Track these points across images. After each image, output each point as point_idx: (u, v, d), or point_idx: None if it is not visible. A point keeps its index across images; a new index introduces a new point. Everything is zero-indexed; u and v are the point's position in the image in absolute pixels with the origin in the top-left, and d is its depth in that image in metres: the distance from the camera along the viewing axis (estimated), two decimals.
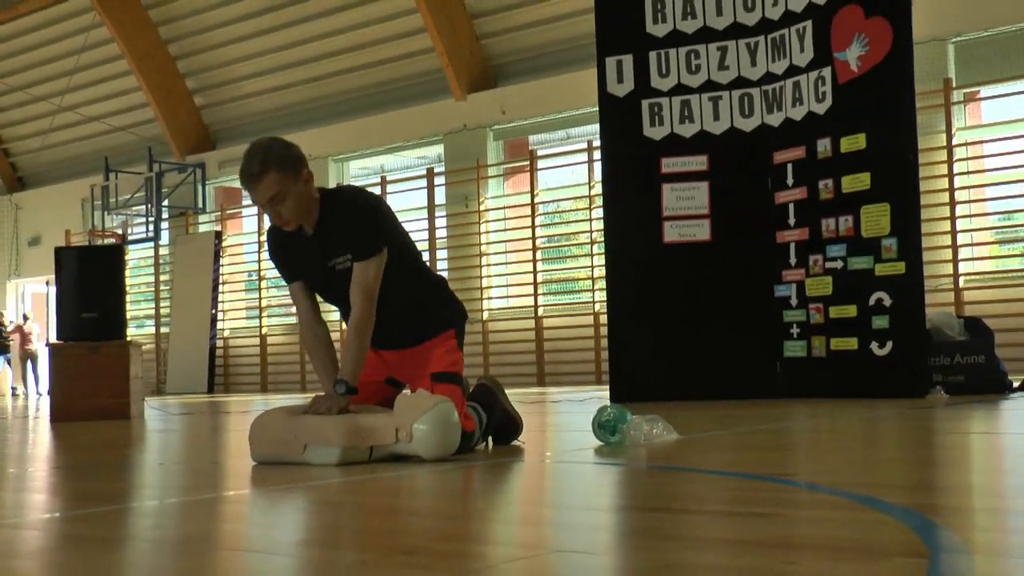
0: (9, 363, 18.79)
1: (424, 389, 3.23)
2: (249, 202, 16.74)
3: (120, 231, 17.38)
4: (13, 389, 18.66)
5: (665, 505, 2.16)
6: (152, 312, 17.63)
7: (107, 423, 6.46)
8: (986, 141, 10.85)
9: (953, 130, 10.48)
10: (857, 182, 6.43)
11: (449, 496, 2.48)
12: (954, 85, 10.59)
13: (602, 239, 7.66)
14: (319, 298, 3.39)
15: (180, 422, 6.55)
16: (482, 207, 13.95)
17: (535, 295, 13.31)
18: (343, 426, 3.00)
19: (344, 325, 3.30)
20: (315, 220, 3.23)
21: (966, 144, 10.72)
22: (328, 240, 3.22)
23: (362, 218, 3.22)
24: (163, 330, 17.14)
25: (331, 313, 3.63)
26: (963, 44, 10.78)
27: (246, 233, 17.00)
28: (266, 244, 3.49)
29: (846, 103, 6.47)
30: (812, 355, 6.66)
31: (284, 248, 3.35)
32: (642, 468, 2.88)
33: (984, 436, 3.55)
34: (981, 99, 10.97)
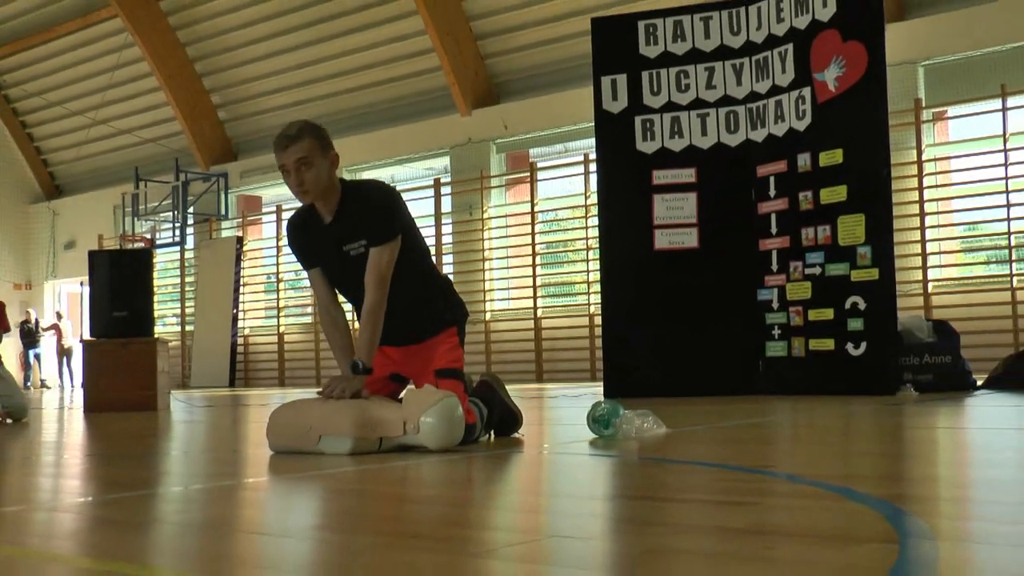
0: (39, 358, 18.80)
1: (429, 384, 3.23)
2: (268, 209, 16.75)
3: (149, 236, 17.38)
4: (43, 381, 18.65)
5: (654, 494, 2.16)
6: (178, 311, 17.63)
7: (136, 414, 6.46)
8: (953, 157, 10.85)
9: (923, 146, 10.48)
10: (834, 194, 6.43)
11: (453, 484, 2.48)
12: (924, 105, 10.59)
13: (597, 245, 7.65)
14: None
15: (203, 414, 6.55)
16: (485, 215, 13.94)
17: (534, 297, 13.30)
18: (354, 418, 3.00)
19: (356, 316, 3.29)
20: (334, 207, 3.21)
21: (935, 160, 10.72)
22: (345, 226, 3.21)
23: (378, 206, 3.21)
24: (188, 328, 17.13)
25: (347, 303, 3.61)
26: (932, 67, 10.78)
27: (265, 238, 16.99)
28: (285, 234, 3.48)
29: (824, 121, 6.47)
30: (792, 355, 6.65)
31: (302, 235, 3.34)
32: (633, 460, 2.88)
33: (950, 431, 3.54)
34: (948, 118, 10.97)
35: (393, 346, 3.39)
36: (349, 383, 3.11)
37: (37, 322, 18.86)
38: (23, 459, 3.49)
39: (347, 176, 16.33)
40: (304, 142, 3.12)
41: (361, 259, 3.19)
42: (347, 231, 3.20)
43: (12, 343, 17.50)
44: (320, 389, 3.18)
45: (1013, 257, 9.96)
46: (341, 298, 3.42)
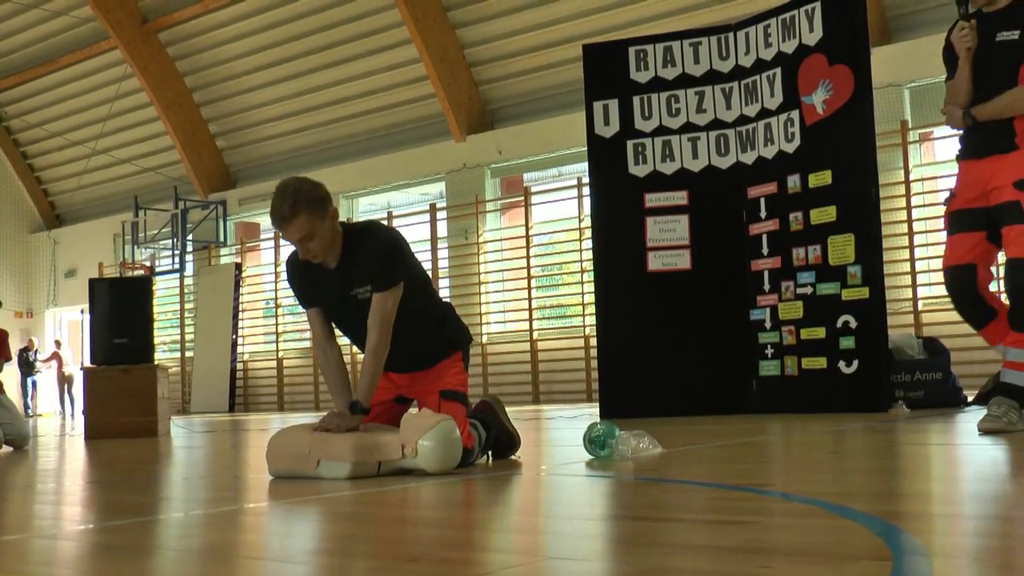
0: (35, 385, 18.70)
1: (430, 407, 3.23)
2: (266, 236, 16.77)
3: (148, 263, 17.38)
4: (27, 409, 18.26)
5: (650, 514, 2.15)
6: (178, 337, 17.59)
7: (136, 440, 6.43)
8: (940, 176, 10.90)
9: (910, 167, 10.53)
10: (824, 215, 6.45)
11: (451, 507, 2.48)
12: (910, 126, 10.65)
13: (591, 267, 7.66)
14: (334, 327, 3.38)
15: (203, 439, 6.52)
16: (481, 239, 13.97)
17: (530, 320, 13.30)
18: (353, 443, 3.00)
19: (355, 350, 3.29)
20: (339, 253, 3.22)
21: (922, 179, 10.77)
22: (351, 271, 3.21)
23: (385, 253, 3.21)
24: (188, 354, 17.09)
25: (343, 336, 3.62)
26: (917, 89, 10.86)
27: (264, 264, 16.99)
28: (284, 272, 3.48)
29: (813, 143, 6.50)
30: (785, 374, 6.65)
31: (303, 277, 3.33)
32: (629, 480, 2.88)
33: (942, 447, 3.54)
34: (934, 139, 11.04)
35: (399, 372, 3.39)
36: (346, 420, 3.10)
37: (36, 351, 18.81)
38: (24, 487, 3.48)
39: (344, 202, 16.36)
40: (299, 219, 3.08)
41: (366, 303, 3.20)
42: (353, 276, 3.21)
43: (12, 371, 17.43)
44: (316, 425, 3.16)
45: (1000, 275, 9.98)
46: (337, 333, 3.42)
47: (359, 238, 3.24)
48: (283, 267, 15.89)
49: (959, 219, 3.91)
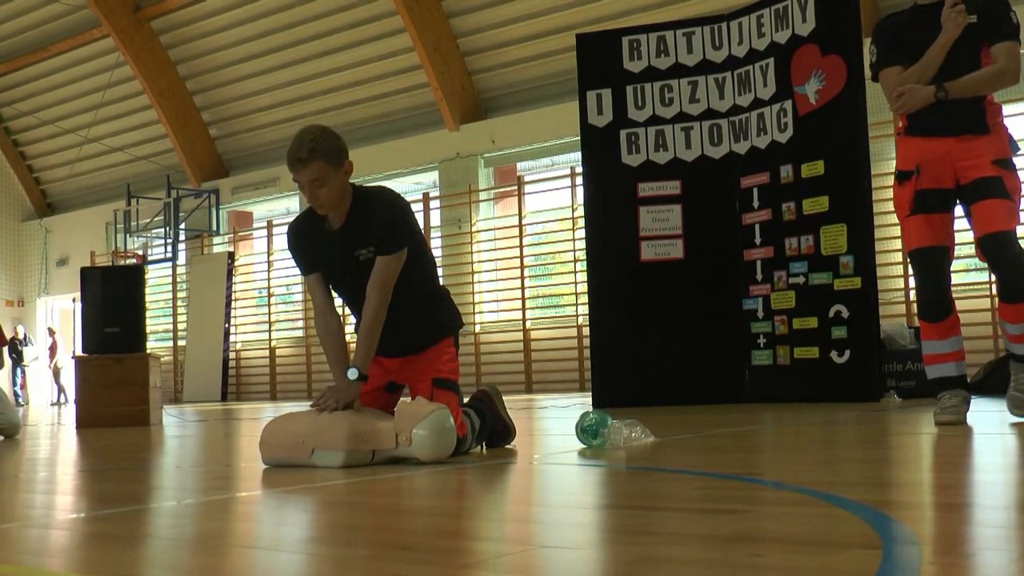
0: (24, 373, 18.64)
1: (423, 395, 3.23)
2: (259, 225, 16.73)
3: (141, 252, 17.33)
4: (17, 398, 18.26)
5: (642, 503, 2.15)
6: (170, 326, 17.56)
7: (128, 429, 6.42)
8: None
9: None
10: (817, 205, 6.47)
11: (445, 496, 2.48)
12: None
13: (584, 257, 7.67)
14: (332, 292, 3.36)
15: (196, 428, 6.52)
16: (474, 229, 13.95)
17: (523, 309, 13.30)
18: (347, 431, 2.99)
19: (357, 323, 3.26)
20: (345, 212, 3.19)
21: None
22: (355, 232, 3.18)
23: (392, 216, 3.19)
24: (180, 343, 17.07)
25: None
26: None
27: (256, 253, 16.95)
28: (286, 237, 3.45)
29: (806, 133, 6.51)
30: (777, 363, 6.67)
31: (305, 240, 3.30)
32: (622, 469, 2.88)
33: (933, 436, 3.56)
34: None
35: (390, 357, 3.37)
36: (343, 393, 3.10)
37: (26, 338, 18.74)
38: (15, 476, 3.47)
39: None
40: (316, 164, 3.07)
41: (369, 264, 3.17)
42: (357, 236, 3.18)
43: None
44: (313, 401, 3.16)
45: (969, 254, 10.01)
46: (338, 303, 3.40)
47: (368, 199, 3.21)
48: (276, 256, 15.92)
49: (928, 199, 3.81)
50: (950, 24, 3.78)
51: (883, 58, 3.97)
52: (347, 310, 3.49)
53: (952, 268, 3.92)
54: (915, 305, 3.99)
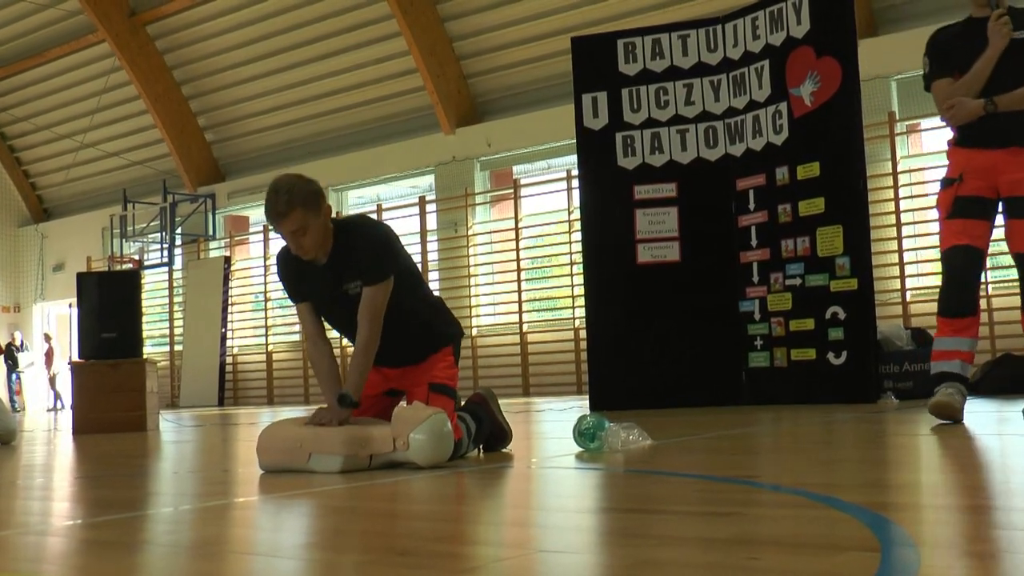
0: (20, 379, 18.59)
1: (420, 400, 3.23)
2: (255, 230, 16.72)
3: (137, 257, 17.30)
4: (13, 404, 18.22)
5: (640, 506, 2.15)
6: (167, 331, 17.53)
7: (125, 435, 6.41)
8: (927, 168, 10.93)
9: (897, 158, 10.56)
10: (812, 206, 6.47)
11: (442, 500, 2.47)
12: (897, 118, 10.67)
13: (581, 260, 7.66)
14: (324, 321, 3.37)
15: (192, 433, 6.50)
16: (470, 232, 13.95)
17: (520, 312, 13.30)
18: (344, 436, 2.99)
19: (345, 343, 3.28)
20: (328, 249, 3.22)
21: (909, 171, 10.80)
22: (341, 267, 3.20)
23: (374, 247, 3.21)
24: (177, 348, 17.04)
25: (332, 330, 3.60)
26: (904, 81, 10.87)
27: (253, 258, 16.94)
28: (275, 267, 3.47)
29: (801, 135, 6.51)
30: (774, 365, 6.67)
31: (294, 272, 3.32)
32: (619, 472, 2.88)
33: (930, 437, 3.56)
34: (922, 130, 11.06)
35: (390, 367, 3.38)
36: (336, 413, 3.11)
37: (23, 344, 18.70)
38: (12, 482, 3.46)
39: (333, 195, 16.32)
40: (295, 214, 3.09)
41: (358, 298, 3.19)
42: (343, 271, 3.20)
43: None
44: (308, 419, 3.16)
45: (987, 265, 10.03)
46: (328, 328, 3.41)
47: (349, 233, 3.23)
48: (273, 261, 15.90)
49: (968, 205, 3.89)
50: (995, 36, 3.83)
51: (934, 70, 4.01)
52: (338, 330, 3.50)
53: None
54: (912, 306, 4.02)
